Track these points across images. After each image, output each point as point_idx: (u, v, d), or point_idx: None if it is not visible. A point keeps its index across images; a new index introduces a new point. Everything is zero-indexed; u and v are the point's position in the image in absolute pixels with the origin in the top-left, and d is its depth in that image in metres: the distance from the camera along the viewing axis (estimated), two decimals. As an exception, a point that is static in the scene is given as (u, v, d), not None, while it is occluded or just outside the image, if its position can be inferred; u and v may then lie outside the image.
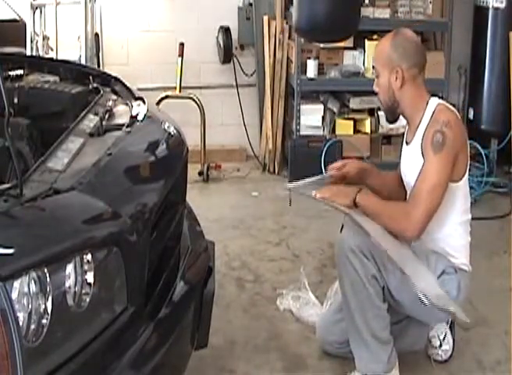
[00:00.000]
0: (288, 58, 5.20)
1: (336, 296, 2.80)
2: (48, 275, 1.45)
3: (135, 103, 2.36)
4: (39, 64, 2.73)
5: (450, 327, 2.80)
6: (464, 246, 2.59)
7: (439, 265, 2.53)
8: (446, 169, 2.42)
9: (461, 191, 2.54)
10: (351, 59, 5.08)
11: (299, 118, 5.04)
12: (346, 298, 2.52)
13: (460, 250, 2.57)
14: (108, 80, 2.60)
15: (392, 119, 2.64)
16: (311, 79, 4.97)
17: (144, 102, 2.36)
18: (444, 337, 2.78)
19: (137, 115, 2.23)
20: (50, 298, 1.46)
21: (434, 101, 2.54)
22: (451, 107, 2.55)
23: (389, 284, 2.49)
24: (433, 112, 2.49)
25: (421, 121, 2.52)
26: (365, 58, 5.02)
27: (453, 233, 2.56)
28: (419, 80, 2.55)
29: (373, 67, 2.63)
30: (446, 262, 2.54)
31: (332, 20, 3.36)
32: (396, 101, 2.55)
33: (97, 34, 4.95)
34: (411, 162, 2.55)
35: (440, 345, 2.78)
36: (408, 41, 2.55)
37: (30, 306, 1.42)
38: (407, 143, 2.63)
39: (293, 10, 3.60)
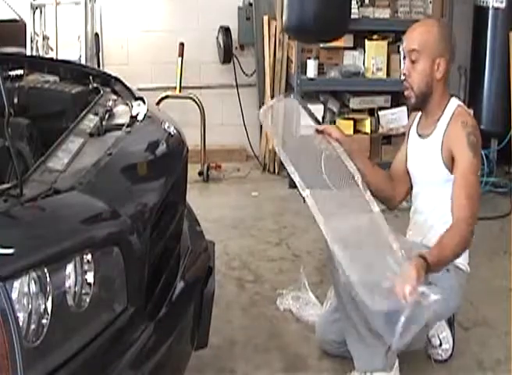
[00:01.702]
0: (288, 58, 5.20)
1: (336, 296, 2.81)
2: (47, 275, 1.45)
3: (135, 103, 2.36)
4: (39, 64, 2.73)
5: (450, 327, 2.80)
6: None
7: None
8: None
9: None
10: (351, 59, 5.07)
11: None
12: (342, 300, 2.51)
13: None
14: (108, 80, 2.60)
15: (418, 107, 2.62)
16: (311, 79, 4.96)
17: (144, 102, 2.36)
18: (444, 337, 2.78)
19: (137, 115, 2.23)
20: (50, 298, 1.45)
21: (454, 101, 2.59)
22: (468, 110, 2.62)
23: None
24: (453, 112, 2.54)
25: (440, 117, 2.56)
26: (365, 58, 5.01)
27: None
28: (448, 77, 2.59)
29: (411, 50, 2.51)
30: None
31: (321, 21, 3.35)
32: (431, 90, 2.55)
33: (97, 34, 4.96)
34: (426, 156, 2.58)
35: (440, 345, 2.78)
36: (450, 35, 2.59)
37: (30, 306, 1.42)
38: (420, 136, 2.65)
39: (283, 10, 3.59)
